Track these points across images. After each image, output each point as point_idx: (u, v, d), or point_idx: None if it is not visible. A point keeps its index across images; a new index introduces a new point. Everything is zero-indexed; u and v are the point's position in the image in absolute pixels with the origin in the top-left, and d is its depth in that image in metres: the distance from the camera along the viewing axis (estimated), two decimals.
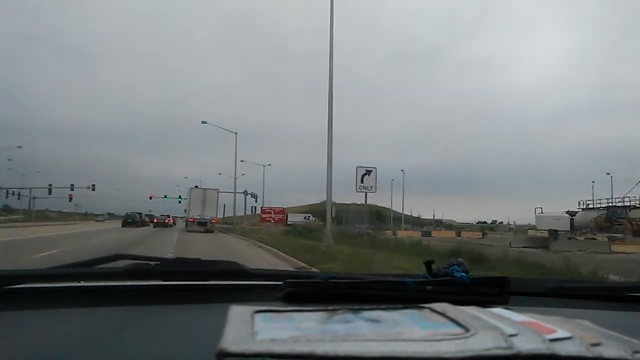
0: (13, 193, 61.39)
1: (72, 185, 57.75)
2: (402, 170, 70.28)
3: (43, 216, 69.69)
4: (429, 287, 0.95)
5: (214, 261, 1.21)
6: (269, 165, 58.49)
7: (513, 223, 70.45)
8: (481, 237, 44.56)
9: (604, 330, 0.56)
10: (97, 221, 66.08)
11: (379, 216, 75.61)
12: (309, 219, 65.94)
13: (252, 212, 54.33)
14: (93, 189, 57.35)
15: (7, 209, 71.37)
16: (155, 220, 48.54)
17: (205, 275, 1.13)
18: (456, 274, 0.96)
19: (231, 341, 0.47)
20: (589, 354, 0.47)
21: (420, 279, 0.99)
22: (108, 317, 0.89)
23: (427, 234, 43.49)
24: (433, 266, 1.04)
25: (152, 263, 1.11)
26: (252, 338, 0.49)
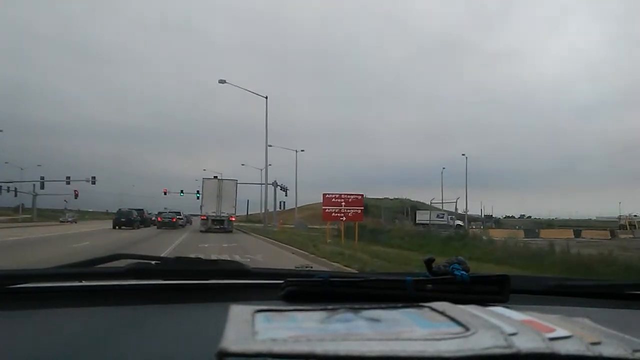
0: (8, 189, 50.34)
1: (68, 177, 48.67)
2: (464, 154, 53.85)
3: (58, 216, 57.96)
4: (429, 286, 0.95)
5: (215, 260, 1.21)
6: (302, 150, 48.02)
7: (629, 215, 49.47)
8: (609, 237, 32.25)
9: (604, 329, 0.56)
10: (61, 222, 48.20)
11: (408, 212, 64.82)
12: (442, 216, 43.95)
13: (281, 207, 44.95)
14: (93, 182, 48.52)
15: (18, 209, 59.75)
16: (160, 219, 37.02)
17: (206, 274, 1.13)
18: (456, 272, 0.96)
19: (232, 341, 0.47)
20: (589, 353, 0.47)
21: (420, 278, 0.99)
22: (109, 317, 0.90)
23: (533, 234, 30.42)
24: (433, 264, 1.04)
25: (153, 262, 1.12)
26: (253, 337, 0.49)
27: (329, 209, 18.89)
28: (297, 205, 49.88)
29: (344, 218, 18.89)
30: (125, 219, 33.95)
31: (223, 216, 30.13)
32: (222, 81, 30.31)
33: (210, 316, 0.85)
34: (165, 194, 50.97)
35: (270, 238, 22.18)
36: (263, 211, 40.09)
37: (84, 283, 1.12)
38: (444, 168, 59.19)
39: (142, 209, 40.98)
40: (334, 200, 18.94)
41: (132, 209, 37.27)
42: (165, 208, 44.80)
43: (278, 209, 42.16)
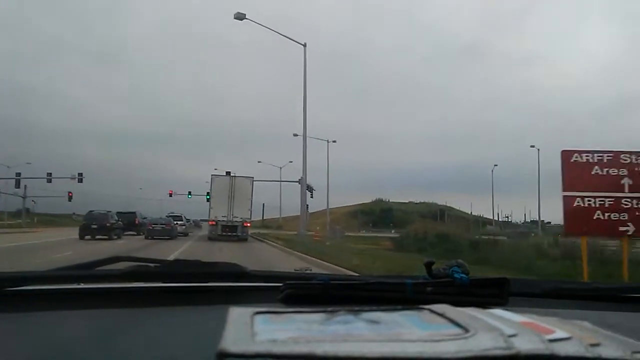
0: None
1: (49, 174, 40.98)
2: (532, 146, 43.97)
3: (68, 222, 48.93)
4: (428, 289, 0.95)
5: (215, 263, 1.21)
6: (334, 141, 40.69)
7: None
8: None
9: (603, 331, 0.56)
10: None
11: (442, 217, 58.50)
12: None
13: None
14: (80, 180, 40.12)
15: (19, 214, 49.67)
16: (150, 227, 26.60)
17: (206, 276, 1.13)
18: (456, 275, 0.96)
19: (231, 342, 0.47)
20: (588, 354, 0.47)
21: (420, 280, 0.99)
22: (108, 319, 0.90)
23: None
24: (433, 267, 1.04)
25: (152, 265, 1.12)
26: (252, 339, 0.49)
27: (585, 200, 6.94)
28: (316, 210, 43.49)
29: (632, 229, 6.91)
30: (98, 226, 23.55)
31: (236, 221, 24.90)
32: (239, 15, 21.91)
33: (210, 318, 0.85)
34: (170, 195, 44.48)
35: (335, 264, 11.07)
36: (281, 216, 34.54)
37: (83, 285, 1.12)
38: (495, 165, 50.59)
39: (134, 212, 32.11)
40: (598, 173, 6.98)
41: (111, 212, 26.40)
42: (171, 212, 36.50)
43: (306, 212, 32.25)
